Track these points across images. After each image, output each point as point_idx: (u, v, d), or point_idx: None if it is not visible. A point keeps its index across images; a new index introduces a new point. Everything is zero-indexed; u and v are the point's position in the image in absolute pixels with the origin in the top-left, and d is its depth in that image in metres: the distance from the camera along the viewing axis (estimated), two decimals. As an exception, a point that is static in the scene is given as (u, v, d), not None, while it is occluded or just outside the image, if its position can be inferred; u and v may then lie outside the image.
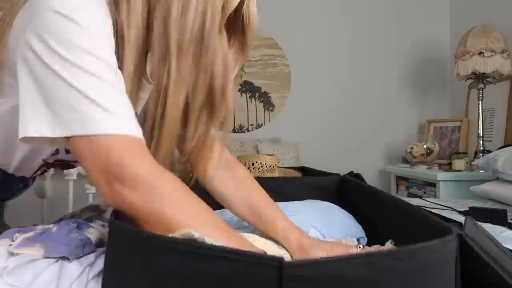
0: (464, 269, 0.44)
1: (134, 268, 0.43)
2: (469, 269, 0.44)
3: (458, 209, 1.40)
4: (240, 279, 0.38)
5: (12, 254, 0.58)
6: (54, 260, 0.57)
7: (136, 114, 0.61)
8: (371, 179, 3.09)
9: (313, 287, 0.37)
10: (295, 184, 1.11)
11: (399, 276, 0.39)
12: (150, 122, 0.64)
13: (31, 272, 0.55)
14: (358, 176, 1.17)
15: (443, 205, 1.52)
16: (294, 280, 0.37)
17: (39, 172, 0.90)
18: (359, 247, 0.71)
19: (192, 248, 0.39)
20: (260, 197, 0.79)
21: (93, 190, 1.89)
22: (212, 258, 0.38)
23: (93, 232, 0.65)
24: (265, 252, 0.57)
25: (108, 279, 0.47)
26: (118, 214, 0.52)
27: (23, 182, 0.93)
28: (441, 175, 2.27)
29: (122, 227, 0.45)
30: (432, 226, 0.47)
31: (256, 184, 0.82)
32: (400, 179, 2.83)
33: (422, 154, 2.61)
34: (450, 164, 2.50)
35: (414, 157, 2.64)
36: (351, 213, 0.96)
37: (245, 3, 0.71)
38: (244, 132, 3.15)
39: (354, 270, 0.37)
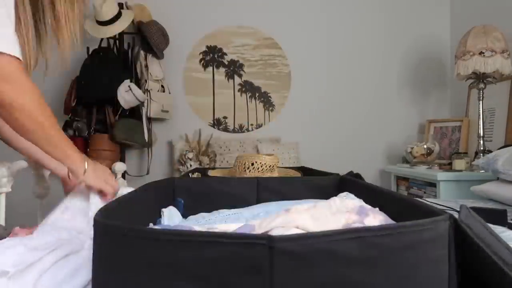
0: (459, 254, 0.44)
1: (123, 262, 0.42)
2: (464, 255, 0.44)
3: (458, 209, 1.40)
4: (231, 261, 0.38)
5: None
6: (61, 256, 0.58)
7: None
8: (371, 179, 3.09)
9: (304, 261, 0.38)
10: (294, 184, 1.10)
11: (388, 252, 0.39)
12: None
13: (35, 271, 0.55)
14: (358, 176, 1.16)
15: (443, 205, 1.51)
16: (284, 255, 0.37)
17: None
18: None
19: (179, 237, 0.40)
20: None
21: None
22: (200, 244, 0.39)
23: None
24: None
25: (98, 277, 0.46)
26: (104, 213, 0.52)
27: None
28: (441, 175, 2.26)
29: (107, 224, 0.45)
30: (430, 214, 0.47)
31: None
32: (400, 179, 2.82)
33: (422, 154, 2.60)
34: (450, 164, 2.50)
35: (414, 157, 2.63)
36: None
37: None
38: (244, 132, 3.14)
39: (343, 245, 0.38)
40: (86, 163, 0.93)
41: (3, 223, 1.36)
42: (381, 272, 0.39)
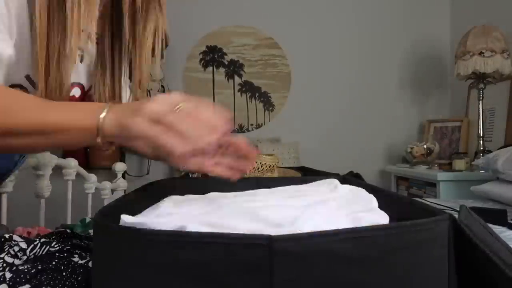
0: (458, 255, 0.44)
1: (123, 265, 0.42)
2: (464, 255, 0.44)
3: (458, 209, 1.40)
4: (230, 261, 0.38)
5: None
6: None
7: None
8: (371, 179, 3.09)
9: (304, 261, 0.37)
10: (294, 184, 1.10)
11: (388, 252, 0.39)
12: None
13: None
14: (358, 176, 1.16)
15: (443, 205, 1.51)
16: (284, 255, 0.37)
17: None
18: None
19: (177, 237, 0.40)
20: None
21: (92, 190, 1.89)
22: (199, 244, 0.38)
23: None
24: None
25: (98, 278, 0.46)
26: (104, 213, 0.52)
27: None
28: (441, 175, 2.26)
29: (108, 225, 0.45)
30: (429, 214, 0.48)
31: None
32: (400, 179, 2.82)
33: (422, 154, 2.60)
34: (450, 164, 2.50)
35: (414, 157, 2.63)
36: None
37: None
38: (244, 132, 3.15)
39: (343, 245, 0.38)
40: (104, 111, 0.53)
41: (4, 222, 1.36)
42: (381, 272, 0.39)
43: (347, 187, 0.66)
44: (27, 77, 0.62)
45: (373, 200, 0.57)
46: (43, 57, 0.60)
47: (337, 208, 0.52)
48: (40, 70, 0.60)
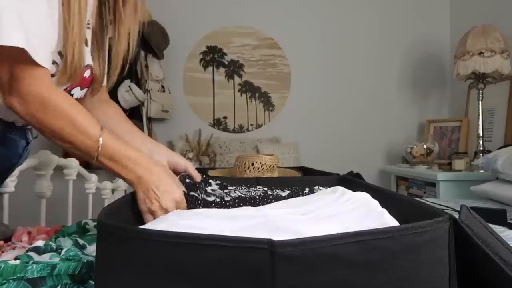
0: (459, 255, 0.44)
1: (125, 264, 0.43)
2: (465, 255, 0.44)
3: (458, 209, 1.40)
4: (231, 265, 0.38)
5: None
6: None
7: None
8: (371, 179, 3.09)
9: (305, 266, 0.37)
10: (294, 184, 1.11)
11: (389, 254, 0.39)
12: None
13: None
14: (358, 176, 1.16)
15: (443, 205, 1.51)
16: (286, 260, 0.37)
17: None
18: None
19: (180, 239, 0.40)
20: (121, 127, 0.95)
21: (93, 190, 1.89)
22: (200, 246, 0.38)
23: None
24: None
25: (100, 278, 0.47)
26: (107, 214, 0.52)
27: (24, 138, 0.94)
28: (441, 175, 2.27)
29: (110, 225, 0.45)
30: (429, 214, 0.48)
31: (120, 117, 0.99)
32: (400, 179, 2.83)
33: (422, 154, 2.61)
34: (450, 164, 2.50)
35: (414, 157, 2.64)
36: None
37: None
38: (244, 132, 3.15)
39: (345, 249, 0.38)
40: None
41: (6, 222, 1.36)
42: (383, 275, 0.39)
43: (357, 198, 0.65)
44: (59, 53, 0.78)
45: (384, 214, 0.56)
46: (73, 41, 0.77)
47: (348, 226, 0.52)
48: (69, 49, 0.76)
